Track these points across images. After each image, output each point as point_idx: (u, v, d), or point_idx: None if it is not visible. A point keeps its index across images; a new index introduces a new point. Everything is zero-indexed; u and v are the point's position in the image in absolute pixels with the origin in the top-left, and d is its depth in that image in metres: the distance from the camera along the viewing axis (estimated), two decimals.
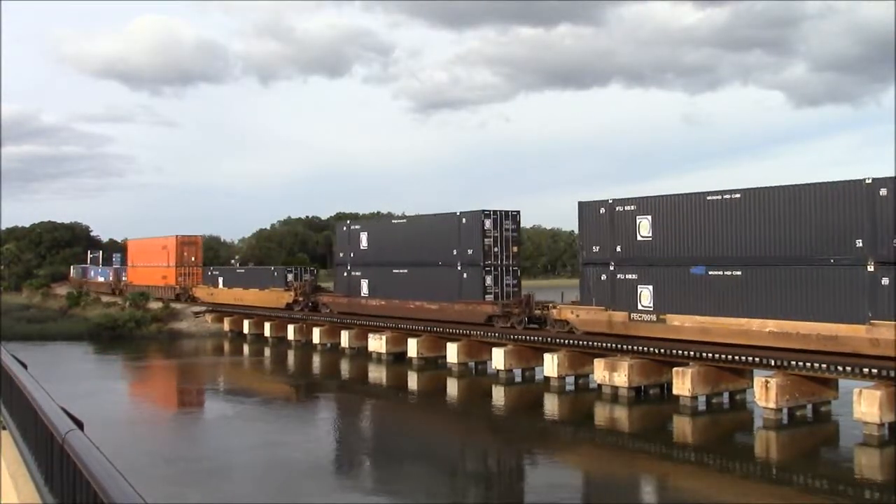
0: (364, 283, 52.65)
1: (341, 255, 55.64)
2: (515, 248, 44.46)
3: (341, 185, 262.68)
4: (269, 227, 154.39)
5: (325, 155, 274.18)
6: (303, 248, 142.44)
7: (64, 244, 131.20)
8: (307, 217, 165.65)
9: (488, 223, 43.36)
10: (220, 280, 72.54)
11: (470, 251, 43.82)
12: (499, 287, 43.31)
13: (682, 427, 30.58)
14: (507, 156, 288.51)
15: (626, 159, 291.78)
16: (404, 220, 47.68)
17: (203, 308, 71.43)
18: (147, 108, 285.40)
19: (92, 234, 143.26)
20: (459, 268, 44.58)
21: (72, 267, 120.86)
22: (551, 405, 35.91)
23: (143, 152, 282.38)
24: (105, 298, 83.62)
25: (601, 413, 33.13)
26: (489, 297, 43.07)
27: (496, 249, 43.44)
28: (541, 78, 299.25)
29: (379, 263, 51.33)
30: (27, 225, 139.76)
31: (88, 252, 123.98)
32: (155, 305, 71.36)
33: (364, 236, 53.21)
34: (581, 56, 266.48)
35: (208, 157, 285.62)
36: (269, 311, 62.51)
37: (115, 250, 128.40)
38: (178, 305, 73.71)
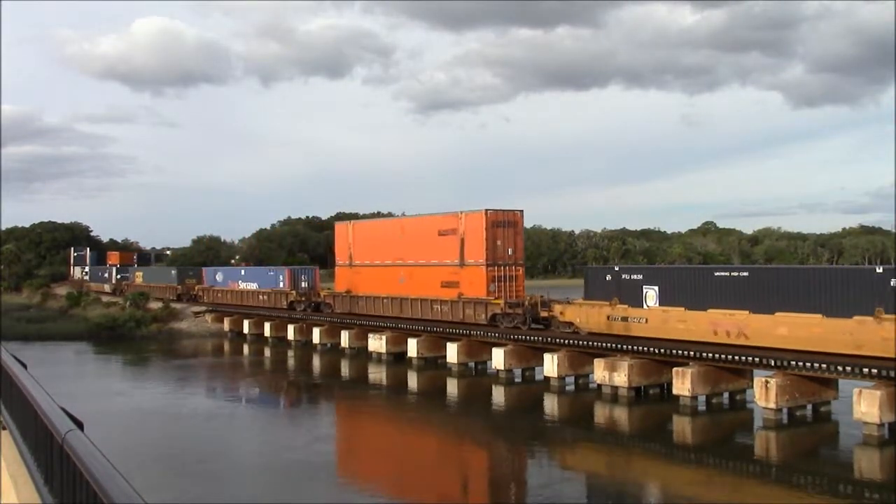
0: None
1: None
2: None
3: (341, 185, 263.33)
4: (269, 227, 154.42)
5: (325, 155, 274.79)
6: (303, 248, 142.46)
7: (64, 244, 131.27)
8: (307, 217, 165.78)
9: None
10: (652, 293, 36.08)
11: None
12: None
13: (682, 427, 30.58)
14: (507, 156, 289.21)
15: (625, 159, 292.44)
16: None
17: (203, 308, 71.15)
18: (148, 108, 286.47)
19: (92, 234, 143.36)
20: None
21: (142, 269, 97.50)
22: (552, 405, 35.90)
23: (144, 153, 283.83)
24: (105, 298, 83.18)
25: (601, 413, 33.12)
26: None
27: None
28: (540, 79, 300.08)
29: None
30: (27, 225, 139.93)
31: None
32: (155, 305, 71.21)
33: None
34: (580, 57, 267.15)
35: (209, 158, 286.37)
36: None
37: (116, 250, 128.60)
38: (177, 305, 72.92)
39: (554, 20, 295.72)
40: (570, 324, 39.16)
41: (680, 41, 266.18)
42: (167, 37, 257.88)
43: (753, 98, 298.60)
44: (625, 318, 36.46)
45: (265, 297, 64.05)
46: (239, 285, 69.36)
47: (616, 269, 39.28)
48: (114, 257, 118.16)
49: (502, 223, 44.96)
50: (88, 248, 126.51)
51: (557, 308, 40.13)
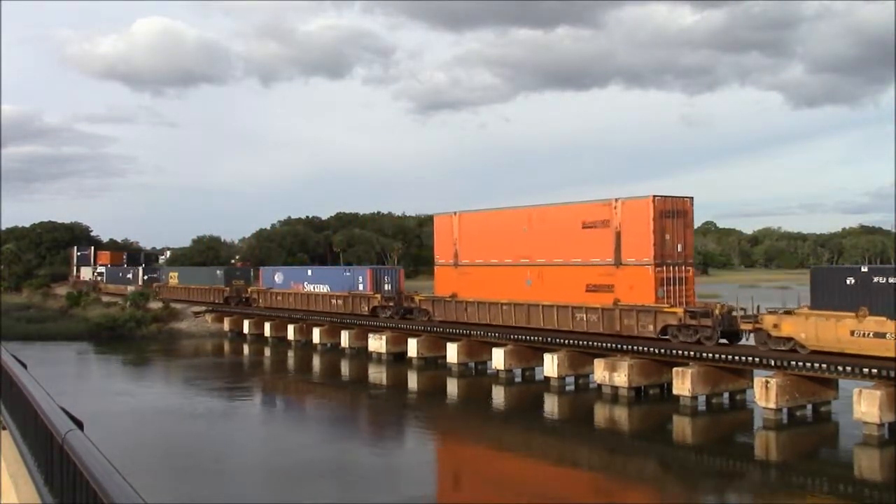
0: None
1: None
2: None
3: (341, 185, 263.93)
4: (269, 227, 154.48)
5: (325, 155, 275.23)
6: (303, 247, 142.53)
7: (64, 244, 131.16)
8: (307, 217, 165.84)
9: None
10: None
11: None
12: None
13: (682, 427, 30.58)
14: (507, 156, 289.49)
15: (625, 159, 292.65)
16: None
17: (204, 308, 71.09)
18: (149, 108, 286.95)
19: (92, 234, 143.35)
20: None
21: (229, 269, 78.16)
22: (551, 405, 35.90)
23: (144, 153, 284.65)
24: (106, 298, 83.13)
25: (601, 413, 33.11)
26: None
27: None
28: (540, 79, 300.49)
29: None
30: (27, 225, 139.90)
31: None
32: (155, 305, 71.18)
33: None
34: (580, 57, 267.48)
35: (209, 158, 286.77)
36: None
37: (118, 250, 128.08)
38: (178, 306, 73.14)
39: (554, 20, 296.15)
40: (789, 339, 30.30)
41: (679, 41, 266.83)
42: (167, 37, 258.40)
43: (753, 98, 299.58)
44: (880, 335, 27.55)
45: (340, 301, 55.90)
46: (304, 287, 60.67)
47: (864, 269, 30.42)
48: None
49: (671, 213, 36.38)
50: (93, 248, 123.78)
51: (769, 320, 31.06)
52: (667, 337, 34.66)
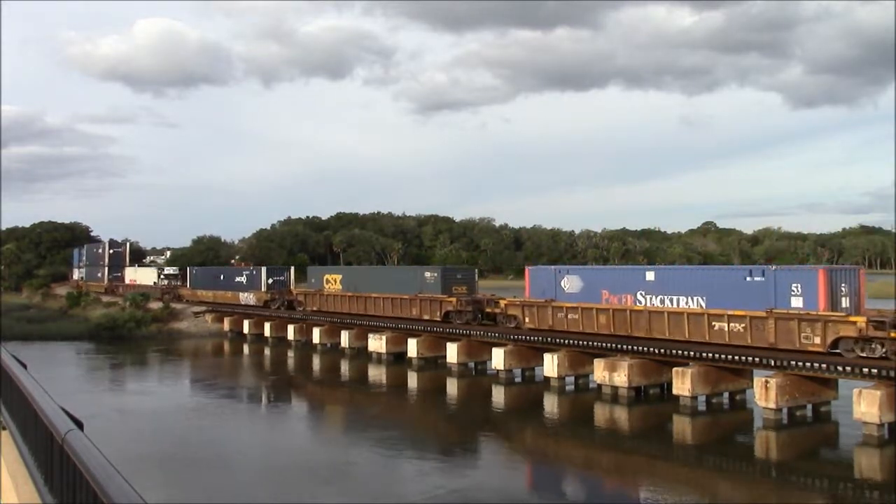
0: None
1: None
2: None
3: (341, 185, 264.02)
4: (269, 227, 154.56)
5: (326, 155, 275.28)
6: (303, 248, 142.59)
7: (64, 244, 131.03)
8: (307, 217, 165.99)
9: None
10: None
11: None
12: None
13: (682, 427, 30.55)
14: (507, 156, 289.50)
15: (625, 159, 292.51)
16: None
17: (204, 308, 71.26)
18: (150, 109, 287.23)
19: (92, 234, 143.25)
20: None
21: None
22: (551, 405, 35.85)
23: (144, 153, 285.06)
24: (105, 298, 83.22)
25: (601, 413, 33.08)
26: None
27: None
28: (540, 80, 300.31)
29: None
30: (27, 225, 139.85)
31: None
32: (155, 305, 71.30)
33: None
34: (579, 58, 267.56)
35: (209, 158, 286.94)
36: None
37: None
38: (178, 305, 73.26)
39: (553, 21, 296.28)
40: None
41: (678, 42, 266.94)
42: (169, 38, 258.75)
43: (752, 99, 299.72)
44: None
45: (739, 327, 32.02)
46: (637, 302, 36.20)
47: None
48: None
49: None
50: (128, 245, 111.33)
51: None
52: None
